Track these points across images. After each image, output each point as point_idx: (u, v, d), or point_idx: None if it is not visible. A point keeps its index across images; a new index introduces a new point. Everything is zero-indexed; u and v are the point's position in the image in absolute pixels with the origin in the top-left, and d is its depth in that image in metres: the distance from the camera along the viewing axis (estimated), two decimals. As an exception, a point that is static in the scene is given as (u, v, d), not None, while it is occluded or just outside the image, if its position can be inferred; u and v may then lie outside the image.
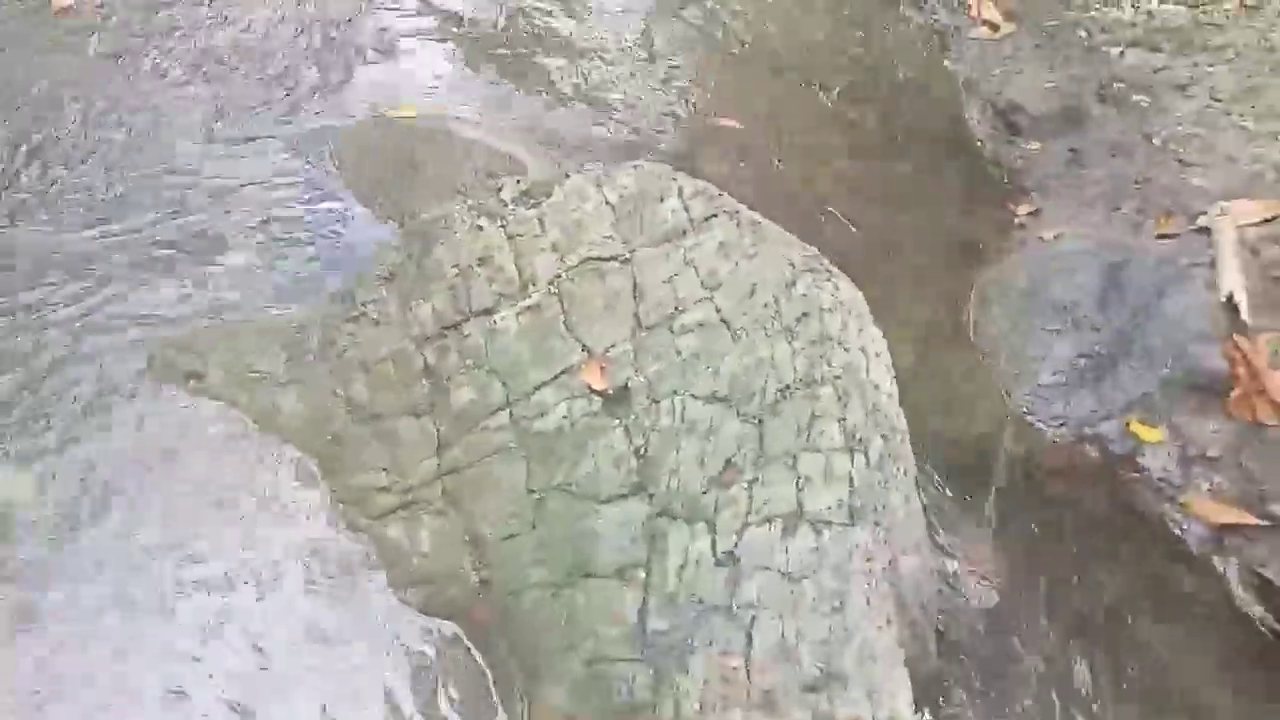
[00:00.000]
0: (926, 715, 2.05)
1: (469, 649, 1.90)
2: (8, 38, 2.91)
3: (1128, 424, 2.65)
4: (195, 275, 2.36)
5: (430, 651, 1.89)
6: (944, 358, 2.90)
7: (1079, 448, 2.67)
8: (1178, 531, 2.54)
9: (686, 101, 3.46)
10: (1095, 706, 2.24)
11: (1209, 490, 2.55)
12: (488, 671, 1.88)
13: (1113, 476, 2.62)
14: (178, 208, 2.50)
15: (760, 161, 3.21)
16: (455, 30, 3.36)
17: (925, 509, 2.44)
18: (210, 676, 1.78)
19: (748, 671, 1.75)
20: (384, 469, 2.08)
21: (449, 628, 1.93)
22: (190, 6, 3.12)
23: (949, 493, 2.56)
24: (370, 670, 1.84)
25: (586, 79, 3.36)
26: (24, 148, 2.57)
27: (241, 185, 2.62)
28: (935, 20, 4.09)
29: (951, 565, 2.38)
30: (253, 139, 2.73)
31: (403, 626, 1.90)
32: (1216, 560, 2.49)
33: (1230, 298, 2.70)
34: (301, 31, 3.13)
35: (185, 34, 3.01)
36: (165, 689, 1.76)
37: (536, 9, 3.55)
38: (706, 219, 2.13)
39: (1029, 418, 2.73)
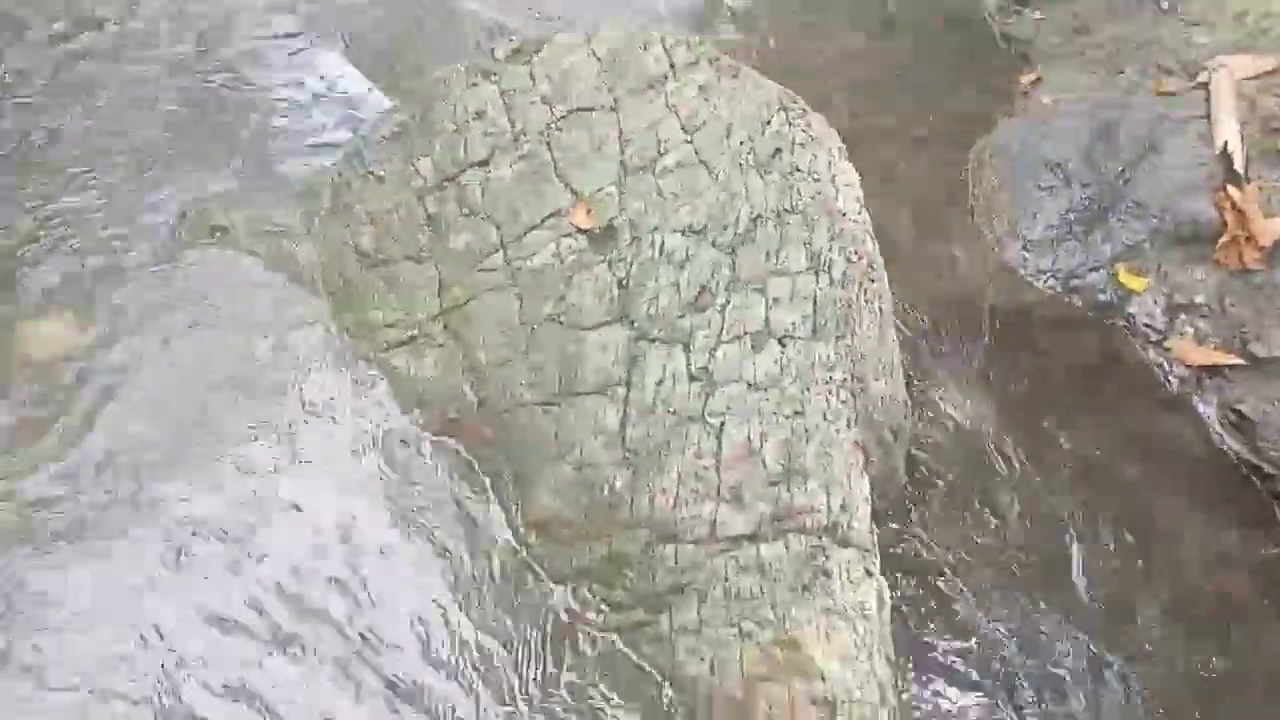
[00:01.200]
0: (892, 528, 2.19)
1: (468, 461, 2.09)
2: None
3: (1115, 274, 2.72)
4: (221, 135, 2.54)
5: (434, 463, 2.09)
6: (939, 221, 2.97)
7: (1066, 298, 2.74)
8: (1160, 376, 2.61)
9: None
10: (1065, 539, 2.36)
11: (1193, 335, 2.61)
12: (485, 479, 2.07)
13: (1099, 325, 2.70)
14: (202, 75, 2.69)
15: (762, 33, 3.27)
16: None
17: (910, 357, 2.57)
18: (248, 472, 2.01)
19: (717, 470, 1.91)
20: (391, 308, 2.26)
21: (450, 444, 2.12)
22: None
23: (935, 342, 2.66)
24: (382, 480, 2.04)
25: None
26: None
27: (258, 52, 2.79)
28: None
29: (933, 401, 2.50)
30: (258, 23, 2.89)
31: (410, 441, 2.10)
32: (1197, 400, 2.57)
33: (1225, 147, 2.72)
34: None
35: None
36: (201, 497, 1.99)
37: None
38: (688, 65, 2.24)
39: (1019, 271, 2.80)
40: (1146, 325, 2.66)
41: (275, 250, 2.35)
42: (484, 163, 2.28)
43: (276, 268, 2.34)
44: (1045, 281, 2.76)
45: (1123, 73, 3.11)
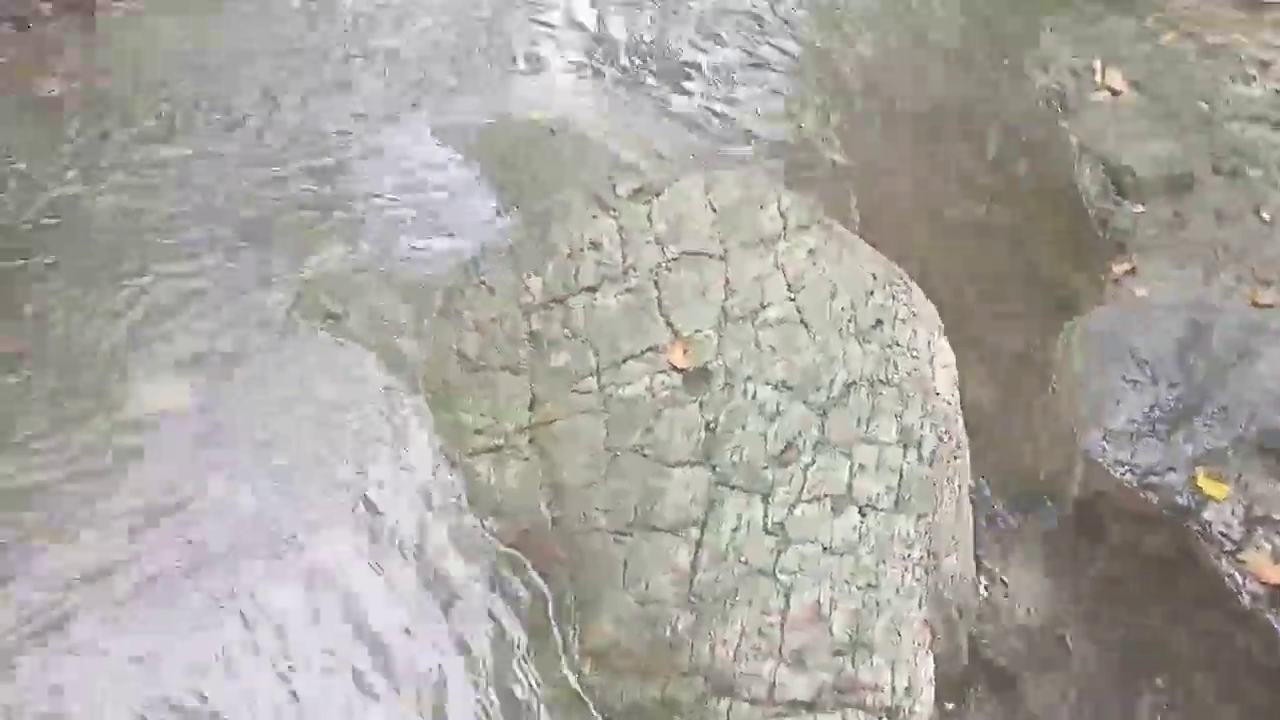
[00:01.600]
0: (947, 707, 2.15)
1: (535, 576, 2.13)
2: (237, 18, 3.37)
3: (1195, 477, 2.69)
4: (344, 229, 2.70)
5: (502, 573, 2.13)
6: (1023, 395, 2.99)
7: (1143, 494, 2.71)
8: (1233, 587, 2.55)
9: (799, 130, 3.67)
10: (1124, 739, 2.29)
11: (1270, 551, 2.56)
12: (548, 596, 2.10)
13: (1173, 525, 2.66)
14: (333, 170, 2.87)
15: (866, 196, 3.38)
16: (593, 44, 3.67)
17: (980, 530, 2.56)
18: (310, 559, 2.07)
19: (782, 629, 1.92)
20: (483, 414, 2.35)
21: (520, 558, 2.17)
22: (354, 14, 3.53)
23: (1007, 519, 2.65)
24: (450, 580, 2.09)
25: (709, 101, 3.61)
26: (203, 105, 2.99)
27: (388, 159, 2.98)
28: (1058, 83, 4.18)
29: (999, 584, 2.48)
30: (401, 123, 3.09)
31: (481, 549, 2.15)
32: (1270, 618, 2.50)
33: (1317, 369, 2.71)
34: (452, 38, 3.49)
35: (349, 34, 3.41)
36: (289, 574, 2.06)
37: (672, 32, 3.82)
38: (800, 227, 2.33)
39: (1097, 460, 2.79)
40: (1222, 534, 2.61)
41: (383, 342, 2.46)
42: (592, 289, 2.39)
43: (382, 359, 2.44)
44: (1122, 474, 2.74)
45: (1219, 276, 3.13)
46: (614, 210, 2.46)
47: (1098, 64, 4.12)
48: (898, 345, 2.13)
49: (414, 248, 2.70)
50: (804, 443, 2.09)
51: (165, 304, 2.49)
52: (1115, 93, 4.01)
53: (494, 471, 2.29)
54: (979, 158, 3.80)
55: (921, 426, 2.05)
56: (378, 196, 2.83)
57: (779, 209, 2.38)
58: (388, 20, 3.46)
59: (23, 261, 2.48)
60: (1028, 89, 4.17)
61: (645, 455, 2.17)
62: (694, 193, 2.44)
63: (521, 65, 3.47)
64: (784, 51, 3.95)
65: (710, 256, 2.35)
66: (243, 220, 2.68)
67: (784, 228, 2.35)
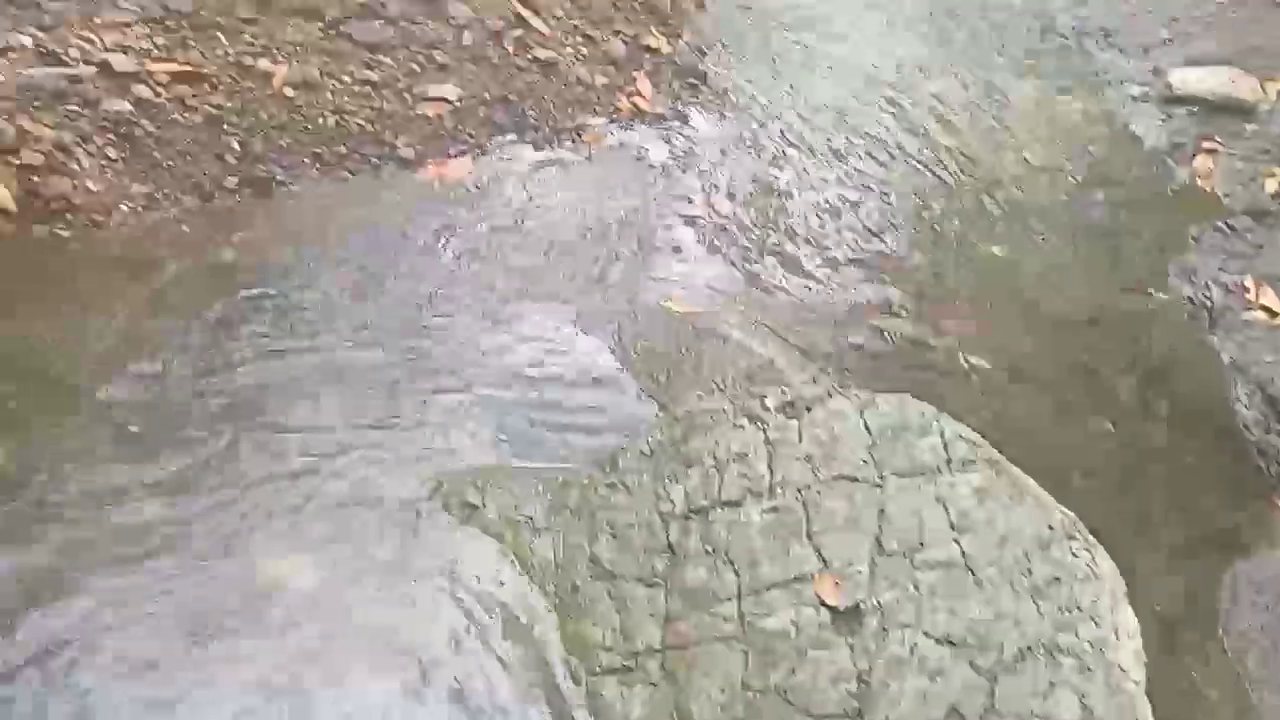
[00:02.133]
0: None
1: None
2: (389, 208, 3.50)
3: (1405, 776, 2.33)
4: (484, 415, 2.66)
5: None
6: (1187, 647, 2.70)
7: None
8: None
9: (938, 332, 3.56)
10: None
11: None
12: None
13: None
14: (473, 352, 2.86)
15: (1006, 408, 3.22)
16: (731, 233, 3.68)
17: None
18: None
19: None
20: (612, 629, 2.20)
21: (644, 802, 1.97)
22: (505, 198, 3.63)
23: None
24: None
25: (844, 294, 3.55)
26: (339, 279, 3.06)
27: (529, 345, 2.96)
28: (1206, 298, 4.01)
29: None
30: (541, 308, 3.09)
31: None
32: None
33: None
34: (592, 225, 3.54)
35: (499, 217, 3.50)
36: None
37: (810, 223, 3.82)
38: (964, 462, 2.19)
39: (1280, 735, 2.46)
40: None
41: (515, 538, 2.37)
42: (735, 504, 2.27)
43: (513, 555, 2.34)
44: (1312, 756, 2.41)
45: None
46: (762, 423, 2.36)
47: (1250, 281, 3.94)
48: (1078, 609, 1.92)
49: (551, 438, 2.64)
50: (970, 710, 1.87)
51: (304, 477, 2.46)
52: (1272, 314, 3.81)
53: (620, 695, 2.12)
54: (1123, 370, 3.62)
55: (1105, 710, 1.82)
56: (516, 382, 2.80)
57: (941, 439, 2.25)
58: (532, 205, 3.55)
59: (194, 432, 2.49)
60: (1172, 300, 4.01)
61: (788, 700, 1.98)
62: (848, 413, 2.33)
63: (661, 253, 3.48)
64: (922, 250, 3.90)
65: (864, 482, 2.22)
66: (385, 400, 2.66)
67: (946, 461, 2.21)
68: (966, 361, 3.41)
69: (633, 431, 2.60)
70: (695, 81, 4.41)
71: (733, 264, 3.55)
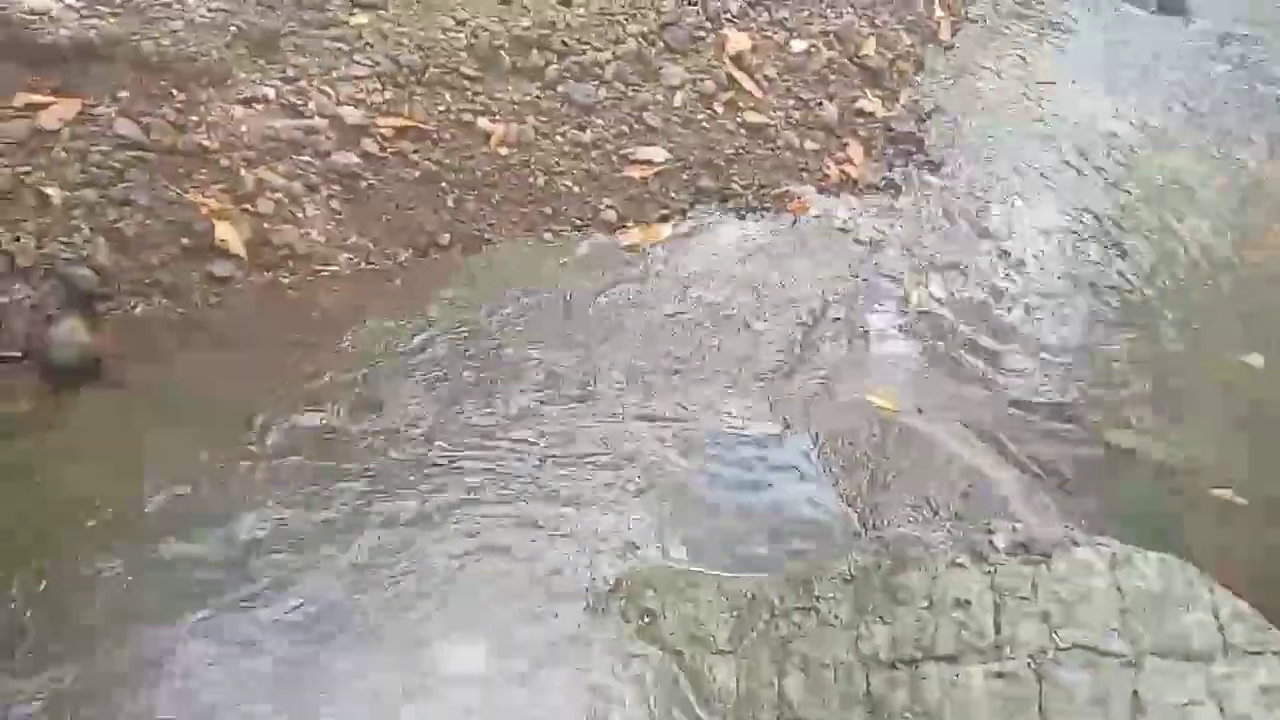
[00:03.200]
0: None
1: None
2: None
3: None
4: (690, 518, 2.45)
5: None
6: None
7: None
8: None
9: (1177, 453, 3.07)
10: None
11: None
12: None
13: None
14: (669, 448, 2.66)
15: (1272, 559, 2.70)
16: (936, 329, 3.32)
17: None
18: None
19: None
20: (798, 785, 1.93)
21: None
22: (692, 272, 3.43)
23: None
24: None
25: (1072, 401, 3.12)
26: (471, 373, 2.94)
27: (714, 439, 2.73)
28: None
29: None
30: (740, 399, 2.86)
31: None
32: None
33: None
34: (793, 306, 3.28)
35: (694, 312, 3.30)
36: None
37: (1023, 313, 3.41)
38: (1248, 651, 1.77)
39: None
40: None
41: (693, 658, 2.14)
42: (951, 659, 1.94)
43: (690, 678, 2.11)
44: None
45: None
46: (989, 565, 2.02)
47: None
48: None
49: (739, 541, 2.40)
50: None
51: (458, 573, 2.31)
52: None
53: None
54: None
55: None
56: (704, 473, 2.58)
57: (1214, 616, 1.84)
58: (729, 275, 3.34)
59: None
60: None
61: None
62: (1095, 567, 1.96)
63: (864, 338, 3.18)
64: (1159, 353, 3.41)
65: (1113, 658, 1.84)
66: (561, 490, 2.50)
67: (1221, 645, 1.80)
68: (1216, 494, 2.91)
69: (830, 548, 2.33)
70: (910, 149, 4.08)
71: (942, 356, 3.20)
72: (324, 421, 2.52)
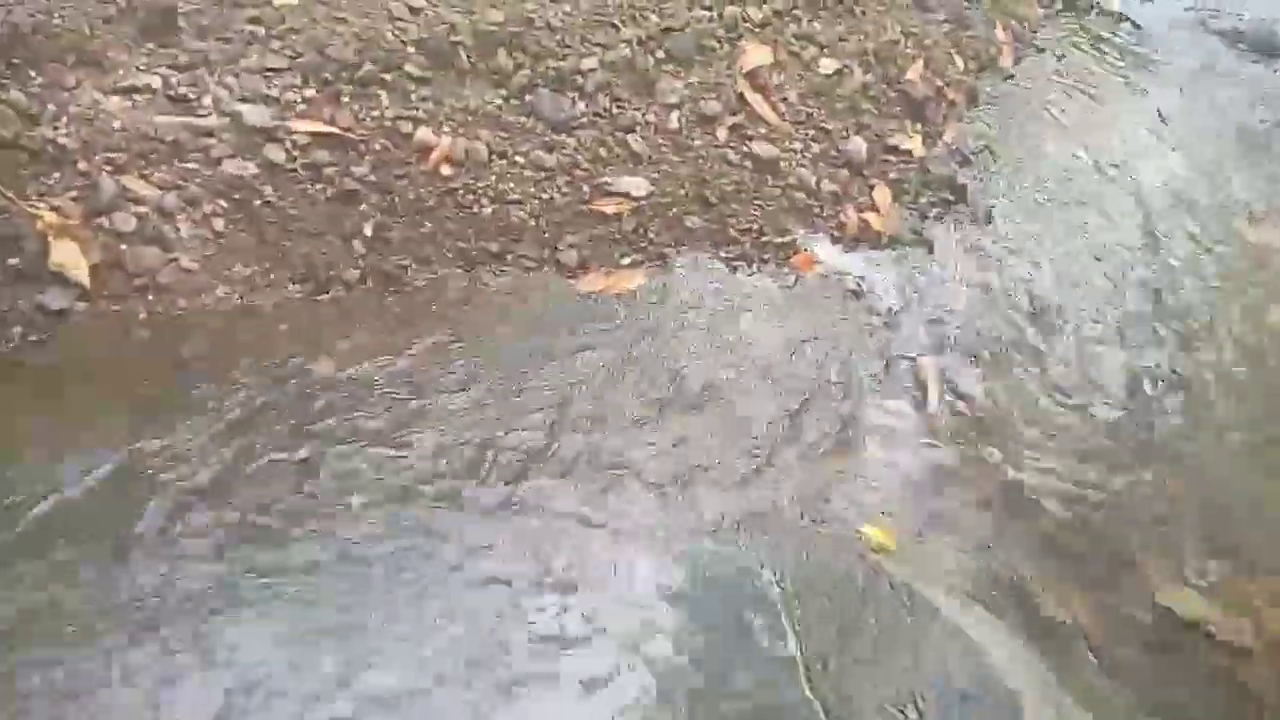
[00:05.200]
0: None
1: None
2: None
3: None
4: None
5: None
6: None
7: None
8: None
9: (1249, 622, 2.32)
10: None
11: None
12: None
13: None
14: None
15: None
16: (968, 424, 2.60)
17: None
18: None
19: None
20: None
21: None
22: (660, 334, 2.75)
23: None
24: None
25: (1121, 535, 2.39)
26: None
27: (650, 556, 2.06)
28: None
29: None
30: (686, 503, 2.19)
31: None
32: None
33: None
34: (781, 388, 2.58)
35: (646, 359, 2.62)
36: None
37: (1071, 413, 2.67)
38: None
39: None
40: None
41: None
42: None
43: None
44: None
45: None
46: None
47: None
48: None
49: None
50: None
51: None
52: None
53: None
54: None
55: None
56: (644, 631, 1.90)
57: None
58: (705, 342, 2.66)
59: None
60: None
61: None
62: None
63: (865, 440, 2.47)
64: (1231, 482, 2.65)
65: None
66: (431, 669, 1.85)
67: None
68: (1306, 700, 2.16)
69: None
70: (949, 198, 3.33)
71: (957, 474, 2.48)
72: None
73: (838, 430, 2.48)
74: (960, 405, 2.67)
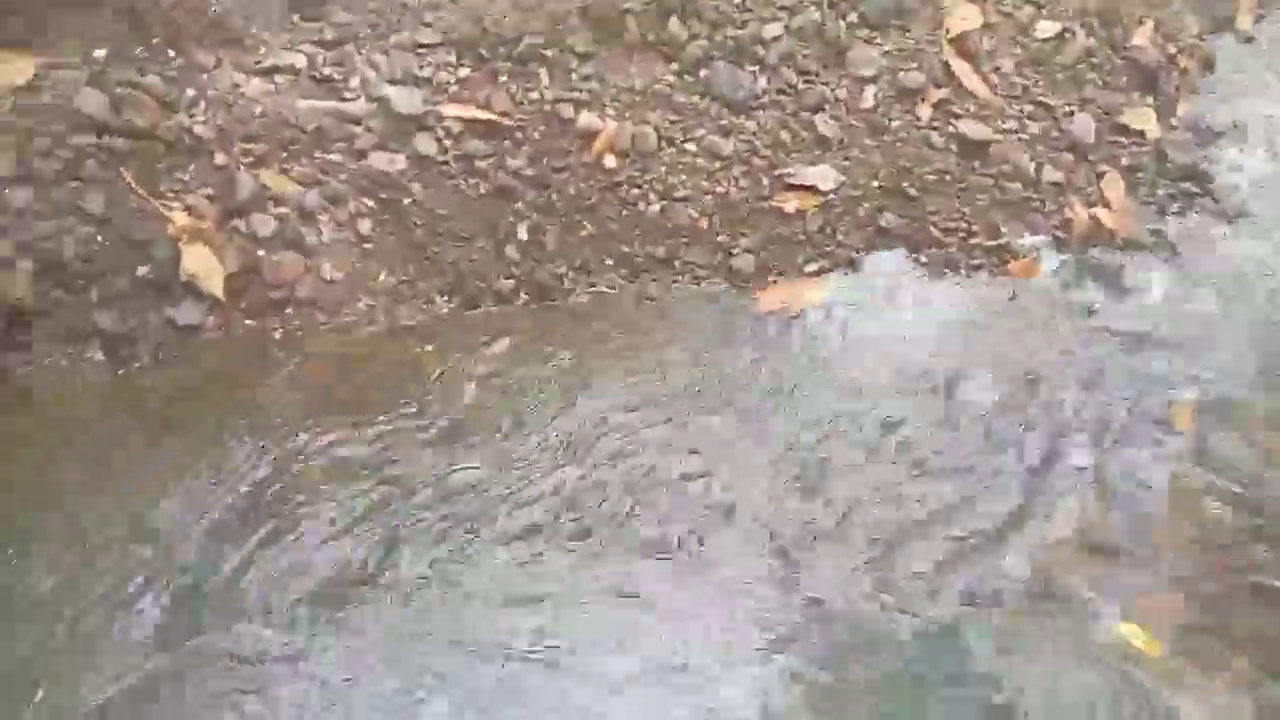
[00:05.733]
0: None
1: None
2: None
3: None
4: None
5: None
6: None
7: None
8: None
9: None
10: None
11: None
12: None
13: None
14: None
15: None
16: (1220, 482, 2.08)
17: None
18: None
19: None
20: None
21: None
22: (847, 358, 2.32)
23: None
24: None
25: None
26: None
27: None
28: None
29: None
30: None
31: None
32: None
33: None
34: (987, 431, 2.13)
35: (831, 389, 2.20)
36: None
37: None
38: None
39: None
40: None
41: None
42: None
43: None
44: None
45: None
46: None
47: None
48: None
49: None
50: None
51: None
52: None
53: None
54: None
55: None
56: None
57: None
58: (901, 368, 2.23)
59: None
60: None
61: None
62: None
63: (1107, 518, 1.98)
64: None
65: None
66: None
67: None
68: None
69: None
70: (1192, 189, 2.73)
71: (1231, 537, 1.97)
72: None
73: (1072, 487, 2.01)
74: (1219, 447, 2.14)
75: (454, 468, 1.82)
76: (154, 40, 2.06)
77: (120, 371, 1.81)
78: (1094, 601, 1.80)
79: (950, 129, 2.61)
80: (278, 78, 2.13)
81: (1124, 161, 2.74)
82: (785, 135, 2.46)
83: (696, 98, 2.42)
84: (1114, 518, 1.97)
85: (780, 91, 2.50)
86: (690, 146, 2.36)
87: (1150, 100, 2.91)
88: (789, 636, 1.71)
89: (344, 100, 2.15)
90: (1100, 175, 2.69)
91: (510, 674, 1.59)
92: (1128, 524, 1.96)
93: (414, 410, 1.87)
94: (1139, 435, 2.14)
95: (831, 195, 2.43)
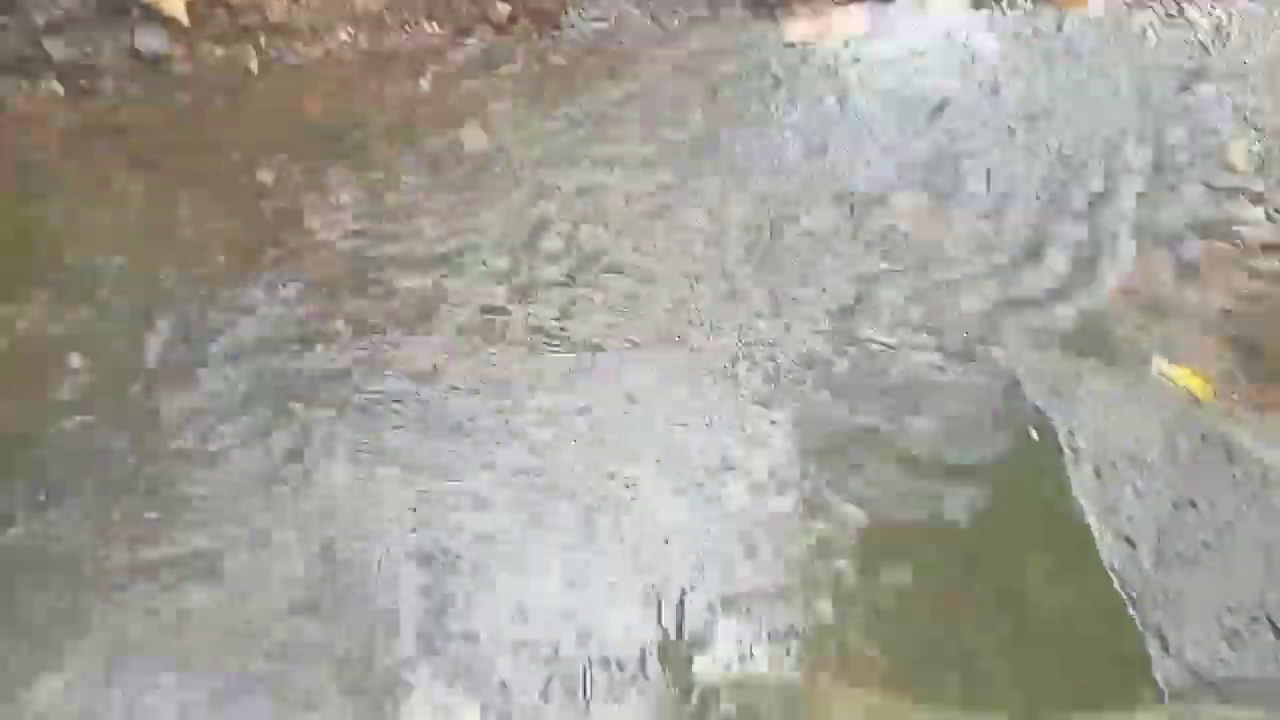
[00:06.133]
0: None
1: None
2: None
3: None
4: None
5: None
6: None
7: None
8: None
9: None
10: None
11: None
12: None
13: None
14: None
15: None
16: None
17: None
18: None
19: None
20: None
21: None
22: (888, 96, 2.08)
23: None
24: None
25: None
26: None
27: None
28: None
29: None
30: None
31: None
32: None
33: None
34: (1034, 176, 1.95)
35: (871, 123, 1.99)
36: None
37: None
38: None
39: None
40: None
41: None
42: None
43: None
44: None
45: None
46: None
47: None
48: None
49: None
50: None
51: None
52: None
53: None
54: None
55: None
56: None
57: None
58: (944, 106, 2.01)
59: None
60: None
61: None
62: None
63: (1154, 257, 1.84)
64: None
65: None
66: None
67: None
68: None
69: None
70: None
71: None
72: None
73: (1118, 227, 1.87)
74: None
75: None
76: None
77: (86, 106, 1.63)
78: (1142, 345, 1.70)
79: None
80: None
81: None
82: None
83: None
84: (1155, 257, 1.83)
85: None
86: None
87: None
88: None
89: None
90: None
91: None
92: (1172, 267, 1.82)
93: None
94: (1193, 175, 1.96)
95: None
